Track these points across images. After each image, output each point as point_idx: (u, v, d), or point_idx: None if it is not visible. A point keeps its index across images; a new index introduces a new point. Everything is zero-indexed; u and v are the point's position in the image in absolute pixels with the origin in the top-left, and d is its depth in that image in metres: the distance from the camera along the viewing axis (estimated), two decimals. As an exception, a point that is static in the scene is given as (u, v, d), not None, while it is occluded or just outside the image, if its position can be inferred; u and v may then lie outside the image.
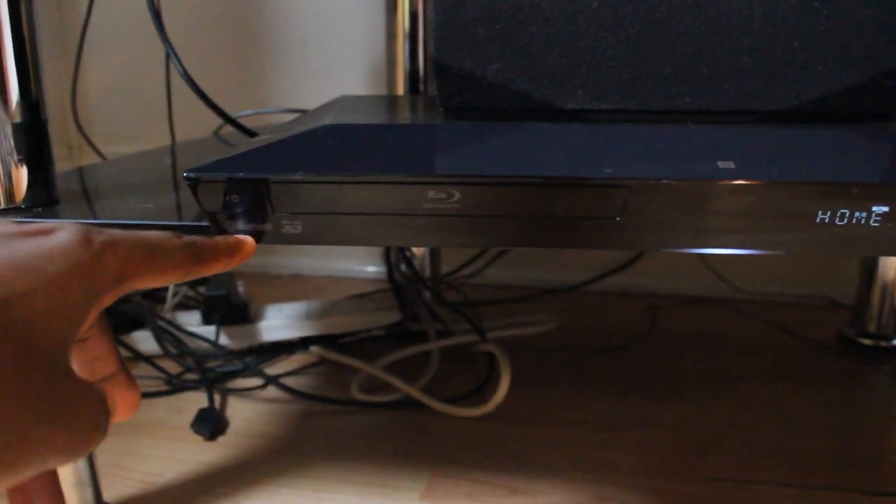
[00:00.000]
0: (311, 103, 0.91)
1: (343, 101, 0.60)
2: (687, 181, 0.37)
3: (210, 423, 0.68)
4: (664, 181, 0.37)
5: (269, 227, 0.40)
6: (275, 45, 1.01)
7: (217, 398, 0.74)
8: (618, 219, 0.38)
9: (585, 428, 0.69)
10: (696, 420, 0.70)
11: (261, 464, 0.63)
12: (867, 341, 0.87)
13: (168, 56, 0.63)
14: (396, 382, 0.74)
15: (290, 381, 0.77)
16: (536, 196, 0.38)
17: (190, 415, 0.70)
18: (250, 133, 0.66)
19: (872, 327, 0.87)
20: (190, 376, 0.77)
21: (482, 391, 0.74)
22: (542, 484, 0.60)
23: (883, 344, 0.87)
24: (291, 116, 0.86)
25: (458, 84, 0.44)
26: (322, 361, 0.82)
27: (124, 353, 0.80)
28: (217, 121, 0.65)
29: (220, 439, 0.67)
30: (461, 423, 0.70)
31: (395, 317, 0.84)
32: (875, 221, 0.38)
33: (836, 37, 0.43)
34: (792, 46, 0.43)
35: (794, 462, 0.63)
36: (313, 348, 0.81)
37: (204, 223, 0.40)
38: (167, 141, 0.87)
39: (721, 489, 0.59)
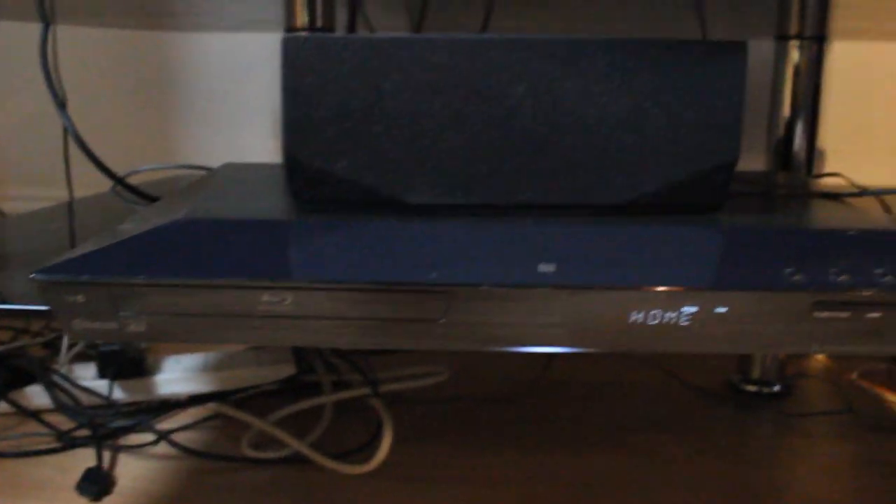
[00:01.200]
0: (218, 155, 0.92)
1: (221, 175, 0.61)
2: (505, 288, 0.40)
3: (96, 484, 0.69)
4: (483, 287, 0.40)
5: (114, 325, 0.42)
6: (182, 95, 1.01)
7: (108, 455, 0.74)
8: (441, 321, 0.40)
9: (469, 483, 0.71)
10: (578, 473, 0.72)
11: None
12: (751, 387, 0.91)
13: (60, 108, 0.64)
14: (286, 438, 0.75)
15: (183, 437, 0.78)
16: (363, 300, 0.40)
17: (78, 473, 0.70)
18: (140, 194, 0.68)
19: (756, 374, 0.90)
20: (82, 432, 0.78)
21: (372, 445, 0.75)
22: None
23: (765, 390, 0.90)
24: (192, 172, 0.88)
25: (310, 179, 0.46)
26: (217, 416, 0.83)
27: (10, 409, 0.81)
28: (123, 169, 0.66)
29: (106, 500, 0.68)
30: (348, 480, 0.71)
31: (290, 370, 0.85)
32: (685, 321, 0.40)
33: (666, 135, 0.46)
34: (626, 144, 0.46)
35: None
36: (210, 404, 0.81)
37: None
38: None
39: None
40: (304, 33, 0.44)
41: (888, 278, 0.40)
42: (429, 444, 0.78)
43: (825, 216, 0.48)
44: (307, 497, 0.69)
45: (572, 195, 0.46)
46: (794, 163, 0.88)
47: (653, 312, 0.40)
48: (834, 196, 0.55)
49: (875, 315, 0.40)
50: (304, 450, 0.74)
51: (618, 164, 0.46)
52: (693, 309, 0.40)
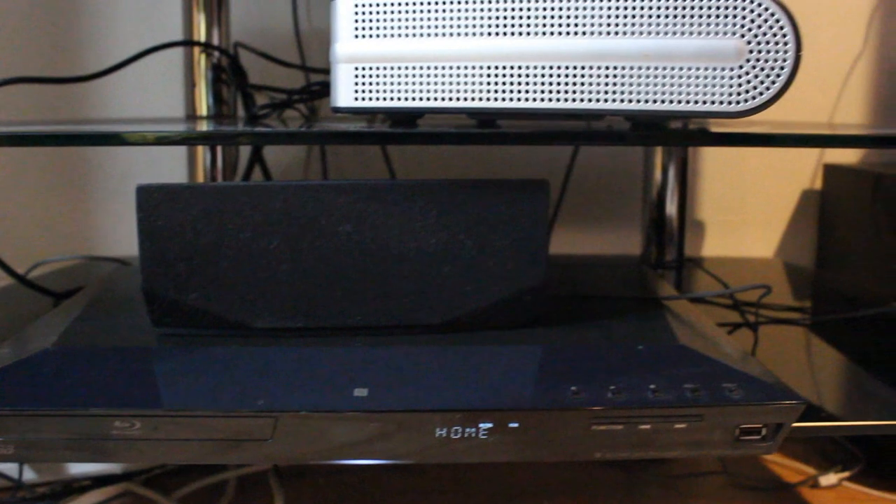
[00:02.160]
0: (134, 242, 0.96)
1: (102, 288, 0.67)
2: (323, 412, 0.46)
3: (3, 570, 0.73)
4: (303, 413, 0.46)
5: (-17, 448, 0.47)
6: (95, 180, 1.06)
7: (17, 539, 0.79)
8: (269, 441, 0.46)
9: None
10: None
11: None
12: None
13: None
14: (188, 516, 0.80)
15: (91, 517, 0.83)
16: (202, 424, 0.46)
17: (-14, 560, 0.75)
18: (42, 290, 0.73)
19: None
20: (-7, 517, 0.82)
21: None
22: None
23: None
24: (98, 263, 0.93)
25: (165, 309, 0.52)
26: (125, 494, 0.88)
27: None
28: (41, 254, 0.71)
29: (13, 584, 0.73)
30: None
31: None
32: (483, 435, 0.47)
33: (479, 262, 0.52)
34: (443, 272, 0.52)
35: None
36: (119, 484, 0.86)
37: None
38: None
39: None
40: (155, 183, 0.50)
41: (658, 395, 0.47)
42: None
43: (622, 327, 0.54)
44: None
45: (397, 317, 0.52)
46: (667, 238, 0.95)
47: (455, 428, 0.47)
48: (653, 300, 0.62)
49: (646, 427, 0.47)
50: (205, 527, 0.79)
51: (436, 289, 0.52)
52: (489, 425, 0.47)
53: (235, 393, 0.46)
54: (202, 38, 0.88)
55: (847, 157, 1.08)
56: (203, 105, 0.90)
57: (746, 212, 1.09)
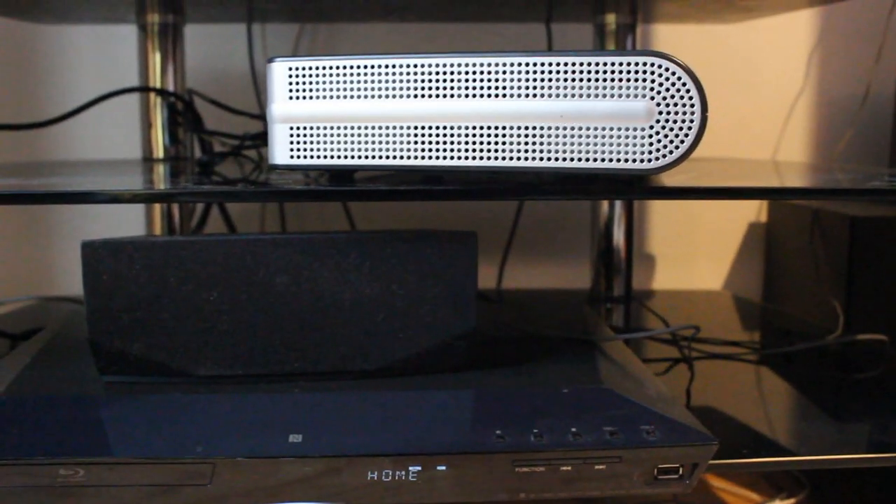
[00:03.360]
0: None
1: (58, 328, 0.69)
2: (259, 458, 0.48)
3: None
4: (240, 459, 0.48)
5: (-69, 496, 0.49)
6: (53, 220, 1.08)
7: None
8: (208, 485, 0.49)
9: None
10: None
11: None
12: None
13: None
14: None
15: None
16: (143, 471, 0.48)
17: None
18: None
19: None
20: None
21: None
22: None
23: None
24: (52, 304, 0.95)
25: (111, 358, 0.54)
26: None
27: None
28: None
29: None
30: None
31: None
32: (413, 477, 0.49)
33: (412, 311, 0.55)
34: (377, 319, 0.55)
35: None
36: None
37: None
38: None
39: None
40: (99, 239, 0.53)
41: (579, 438, 0.50)
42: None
43: (552, 368, 0.57)
44: None
45: (333, 363, 0.55)
46: (616, 271, 0.99)
47: (385, 471, 0.49)
48: (587, 341, 0.65)
49: (567, 468, 0.50)
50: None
51: (371, 337, 0.55)
52: (418, 468, 0.49)
53: (176, 440, 0.49)
54: (157, 82, 0.91)
55: (790, 191, 1.12)
56: (160, 146, 0.93)
57: (695, 244, 1.12)
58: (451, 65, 0.50)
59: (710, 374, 0.71)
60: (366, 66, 0.51)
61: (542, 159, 0.50)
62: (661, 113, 0.49)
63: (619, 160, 0.49)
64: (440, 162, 0.51)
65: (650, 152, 0.49)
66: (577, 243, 1.10)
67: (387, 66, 0.50)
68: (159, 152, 0.92)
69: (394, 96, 0.51)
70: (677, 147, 0.49)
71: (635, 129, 0.49)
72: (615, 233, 0.98)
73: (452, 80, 0.50)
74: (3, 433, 0.49)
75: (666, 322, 0.87)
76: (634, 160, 0.49)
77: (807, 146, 1.10)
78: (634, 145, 0.49)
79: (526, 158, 0.50)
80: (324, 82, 0.51)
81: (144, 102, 0.91)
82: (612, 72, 0.49)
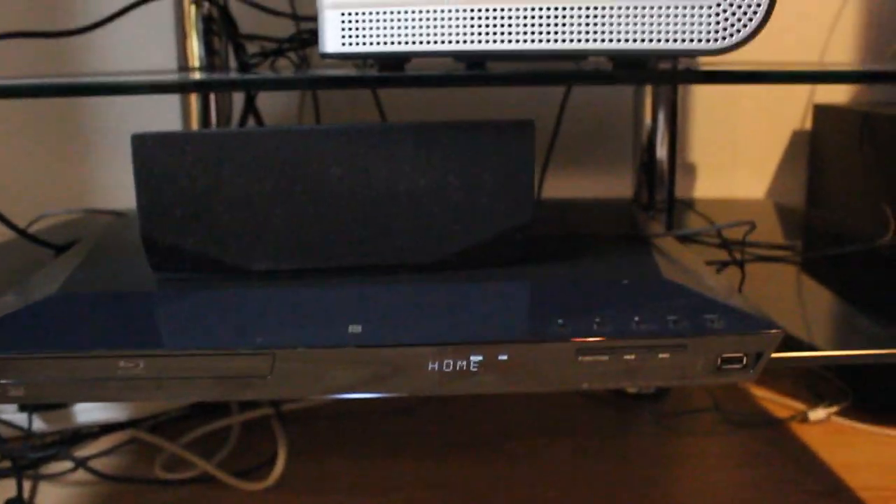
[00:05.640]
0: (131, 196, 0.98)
1: (105, 237, 0.68)
2: (319, 349, 0.48)
3: (16, 513, 0.76)
4: (300, 349, 0.48)
5: (-6, 390, 0.49)
6: (92, 135, 1.07)
7: (28, 485, 0.82)
8: (268, 377, 0.48)
9: (360, 493, 0.79)
10: (464, 479, 0.81)
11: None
12: (631, 390, 0.99)
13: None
14: (194, 459, 0.83)
15: (100, 463, 0.86)
16: (203, 363, 0.48)
17: (0, 505, 0.78)
18: (43, 243, 0.75)
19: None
20: (3, 464, 0.85)
21: (273, 462, 0.83)
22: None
23: (644, 392, 0.99)
24: (98, 217, 0.94)
25: (164, 254, 0.53)
26: (134, 440, 0.90)
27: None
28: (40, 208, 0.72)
29: (27, 527, 0.75)
30: (252, 496, 0.79)
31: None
32: (474, 367, 0.49)
33: (468, 202, 0.54)
34: (433, 211, 0.54)
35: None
36: (125, 430, 0.89)
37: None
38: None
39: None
40: (150, 131, 0.52)
41: (642, 326, 0.49)
42: (327, 458, 0.86)
43: (608, 263, 0.56)
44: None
45: (389, 257, 0.54)
46: (658, 180, 0.97)
47: (446, 362, 0.49)
48: (640, 238, 0.63)
49: (630, 357, 0.49)
50: (211, 469, 0.82)
51: (427, 229, 0.54)
52: (479, 358, 0.48)
53: (234, 332, 0.48)
54: (192, -11, 0.89)
55: (837, 97, 1.09)
56: (195, 57, 0.91)
57: (737, 153, 1.10)
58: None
59: (760, 276, 0.70)
60: (420, -54, 0.49)
61: (605, 41, 0.48)
62: (728, -12, 0.46)
63: (684, 40, 0.47)
64: (492, 46, 0.50)
65: (716, 31, 0.47)
66: (618, 156, 1.08)
67: (442, -55, 0.48)
68: (194, 62, 0.90)
69: (448, -23, 0.49)
70: (745, 25, 0.47)
71: (701, 7, 0.47)
72: (658, 141, 0.96)
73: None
74: (62, 328, 0.49)
75: (711, 221, 0.85)
76: (700, 40, 0.47)
77: (855, 50, 1.07)
78: (700, 24, 0.47)
79: (588, 40, 0.48)
80: (376, -36, 0.50)
81: (178, 10, 0.89)
82: (679, -55, 0.47)
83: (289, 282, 0.52)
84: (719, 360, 0.50)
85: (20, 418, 0.89)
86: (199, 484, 0.81)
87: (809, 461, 0.84)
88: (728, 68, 0.55)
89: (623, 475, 0.81)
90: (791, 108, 1.09)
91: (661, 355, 0.49)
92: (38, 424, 0.90)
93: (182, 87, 0.53)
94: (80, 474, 0.84)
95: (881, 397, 0.94)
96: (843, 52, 1.07)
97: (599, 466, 0.83)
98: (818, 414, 0.93)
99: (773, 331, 0.49)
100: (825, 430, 0.92)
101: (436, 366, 0.48)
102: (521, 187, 0.54)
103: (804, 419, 0.93)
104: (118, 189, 1.07)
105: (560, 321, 0.49)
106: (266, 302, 0.50)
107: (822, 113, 1.06)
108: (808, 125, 1.09)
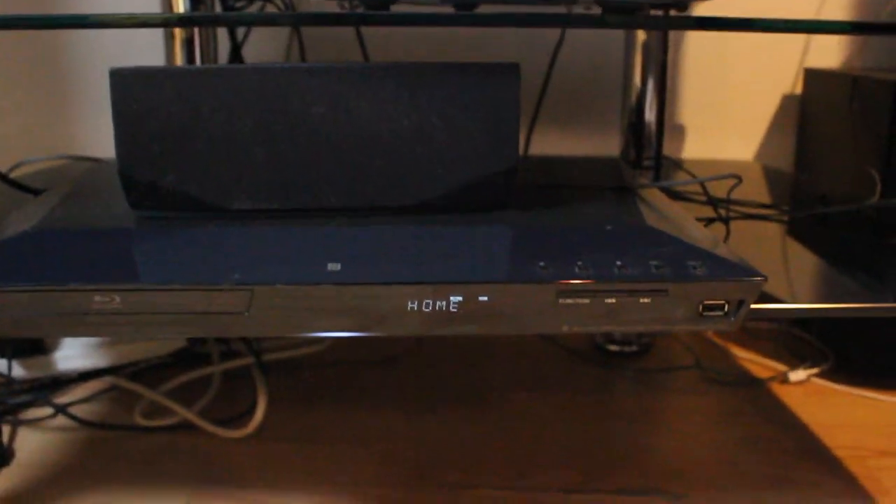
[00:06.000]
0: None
1: (84, 178, 0.67)
2: (297, 285, 0.47)
3: (-6, 456, 0.75)
4: (278, 286, 0.47)
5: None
6: (73, 83, 1.06)
7: (7, 430, 0.81)
8: (246, 313, 0.48)
9: (339, 441, 0.79)
10: (448, 432, 0.81)
11: (38, 493, 0.71)
12: (613, 347, 1.00)
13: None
14: (174, 406, 0.82)
15: (80, 409, 0.85)
16: (180, 299, 0.47)
17: (-23, 448, 0.77)
18: (23, 188, 0.74)
19: (618, 335, 0.99)
20: (-17, 410, 0.84)
21: (254, 411, 0.83)
22: (293, 498, 0.70)
23: (626, 349, 0.99)
24: (78, 163, 0.93)
25: (142, 191, 0.52)
26: (113, 388, 0.90)
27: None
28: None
29: (4, 471, 0.75)
30: (231, 443, 0.79)
31: (181, 342, 0.92)
32: (454, 307, 0.48)
33: (452, 145, 0.53)
34: (416, 153, 0.53)
35: (525, 464, 0.75)
36: (105, 377, 0.89)
37: None
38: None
39: (450, 495, 0.70)
40: (129, 66, 0.51)
41: (624, 270, 0.49)
42: (309, 407, 0.86)
43: (592, 211, 0.56)
44: (194, 460, 0.77)
45: (370, 199, 0.53)
46: (646, 140, 0.96)
47: (426, 301, 0.48)
48: (625, 189, 0.63)
49: (611, 301, 0.49)
50: (191, 417, 0.82)
51: (409, 171, 0.53)
52: (459, 298, 0.48)
53: (212, 268, 0.48)
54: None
55: (828, 61, 1.08)
56: (179, 4, 0.89)
57: (726, 115, 1.09)
58: None
59: (745, 232, 0.69)
60: None
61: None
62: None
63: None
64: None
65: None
66: (606, 115, 1.08)
67: None
68: (179, 7, 0.88)
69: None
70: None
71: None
72: (647, 101, 0.95)
73: None
74: (38, 263, 0.48)
75: (693, 175, 0.85)
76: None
77: (851, 9, 1.06)
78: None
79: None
80: None
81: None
82: None
83: (268, 221, 0.52)
84: (700, 307, 0.49)
85: (-1, 364, 0.88)
86: (179, 431, 0.81)
87: (788, 421, 0.85)
88: (720, 16, 0.54)
89: (604, 431, 0.82)
90: (782, 72, 1.09)
91: (642, 300, 0.48)
92: (18, 371, 0.89)
93: (166, 22, 0.51)
94: (60, 420, 0.84)
95: (860, 360, 0.95)
96: (838, 12, 1.06)
97: (580, 422, 0.83)
98: (798, 375, 0.94)
99: (756, 279, 0.49)
100: (805, 390, 0.92)
101: (415, 305, 0.48)
102: (505, 131, 0.53)
103: (784, 380, 0.94)
104: (100, 138, 1.06)
105: (541, 264, 0.49)
106: (245, 240, 0.49)
107: (812, 77, 1.06)
108: (799, 89, 1.09)
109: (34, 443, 0.80)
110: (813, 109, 1.05)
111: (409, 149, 0.52)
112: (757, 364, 0.98)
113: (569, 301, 0.48)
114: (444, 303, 0.48)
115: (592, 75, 1.07)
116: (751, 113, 1.10)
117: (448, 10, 0.52)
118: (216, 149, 0.51)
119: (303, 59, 1.01)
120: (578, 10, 0.58)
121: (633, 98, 0.96)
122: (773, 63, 1.09)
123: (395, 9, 0.58)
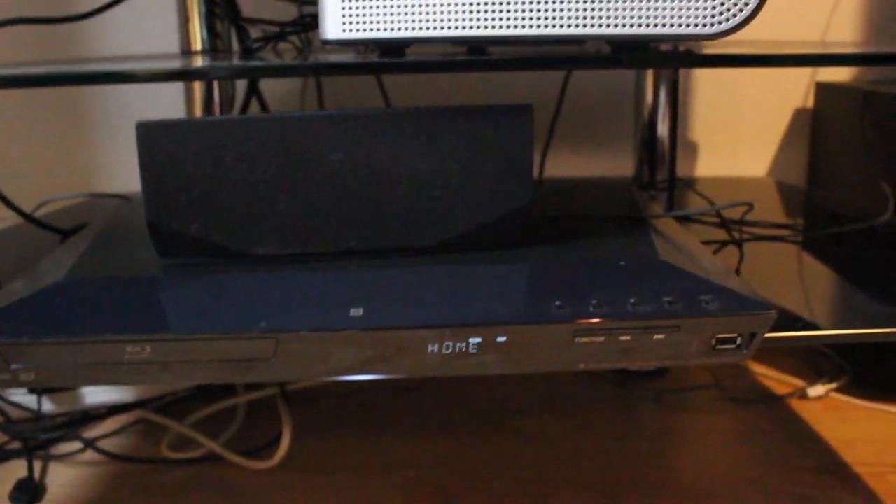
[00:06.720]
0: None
1: (110, 222, 0.69)
2: (321, 332, 0.49)
3: (27, 493, 0.77)
4: (303, 333, 0.49)
5: (7, 375, 0.50)
6: (95, 120, 1.08)
7: (38, 465, 0.83)
8: (272, 359, 0.49)
9: (365, 471, 0.81)
10: (467, 456, 0.82)
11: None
12: (631, 367, 1.00)
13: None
14: (201, 439, 0.84)
15: (108, 443, 0.87)
16: (208, 346, 0.49)
17: (10, 484, 0.79)
18: (49, 228, 0.76)
19: (634, 354, 1.00)
20: (13, 445, 0.86)
21: (279, 441, 0.85)
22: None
23: (644, 369, 1.00)
24: (103, 200, 0.95)
25: (169, 239, 0.54)
26: (140, 421, 0.92)
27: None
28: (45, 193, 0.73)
29: (37, 506, 0.77)
30: (256, 474, 0.81)
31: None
32: (473, 349, 0.50)
33: (468, 186, 0.54)
34: (433, 195, 0.54)
35: (548, 486, 0.76)
36: (133, 411, 0.90)
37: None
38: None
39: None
40: (154, 119, 0.53)
41: (638, 307, 0.50)
42: (332, 436, 0.87)
43: (606, 244, 0.57)
44: (220, 491, 0.78)
45: (390, 240, 0.55)
46: (659, 159, 0.97)
47: (446, 343, 0.50)
48: (639, 219, 0.64)
49: (626, 338, 0.50)
50: (217, 448, 0.83)
51: (427, 213, 0.55)
52: (478, 339, 0.49)
53: (238, 316, 0.49)
54: (193, -27, 0.89)
55: (839, 75, 1.09)
56: (197, 40, 0.92)
57: (739, 131, 1.10)
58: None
59: (759, 255, 0.70)
60: (418, -67, 0.49)
61: (602, 26, 0.49)
62: (724, -27, 0.47)
63: (681, 25, 0.48)
64: (492, 31, 0.50)
65: (712, 15, 0.48)
66: (618, 133, 1.09)
67: (440, -68, 0.49)
68: (197, 45, 0.91)
69: (447, -36, 0.49)
70: (741, 9, 0.47)
71: (697, -9, 0.47)
72: (659, 119, 0.96)
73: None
74: (70, 314, 0.50)
75: (711, 202, 0.86)
76: (697, 24, 0.48)
77: (858, 29, 1.07)
78: (697, 8, 0.47)
79: (586, 25, 0.49)
80: (375, -49, 0.50)
81: (181, -6, 0.89)
82: (674, -69, 0.47)
83: (291, 266, 0.53)
84: (714, 341, 0.50)
85: (30, 400, 0.90)
86: (206, 463, 0.83)
87: (808, 437, 0.85)
88: (728, 51, 0.55)
89: (624, 451, 0.83)
90: (793, 87, 1.10)
91: (655, 336, 0.50)
92: (48, 406, 0.91)
93: (185, 76, 0.53)
94: (89, 454, 0.85)
95: (879, 375, 0.95)
96: (845, 30, 1.07)
97: (601, 443, 0.84)
98: (817, 390, 0.94)
99: (767, 312, 0.50)
100: (824, 406, 0.93)
101: (435, 347, 0.49)
102: (519, 171, 0.54)
103: (803, 395, 0.94)
104: (122, 172, 1.08)
105: (557, 303, 0.50)
106: (269, 286, 0.51)
107: (824, 91, 1.07)
108: (811, 103, 1.09)
109: (64, 477, 0.81)
110: (825, 124, 1.06)
111: (426, 191, 0.54)
112: (775, 380, 0.98)
113: (584, 339, 0.49)
114: (463, 344, 0.49)
115: (605, 95, 1.08)
116: (763, 128, 1.11)
117: (461, 51, 0.53)
118: (240, 196, 0.53)
119: (319, 94, 1.03)
120: (587, 48, 0.59)
121: (646, 117, 0.97)
122: (785, 78, 1.10)
123: (411, 51, 0.59)
